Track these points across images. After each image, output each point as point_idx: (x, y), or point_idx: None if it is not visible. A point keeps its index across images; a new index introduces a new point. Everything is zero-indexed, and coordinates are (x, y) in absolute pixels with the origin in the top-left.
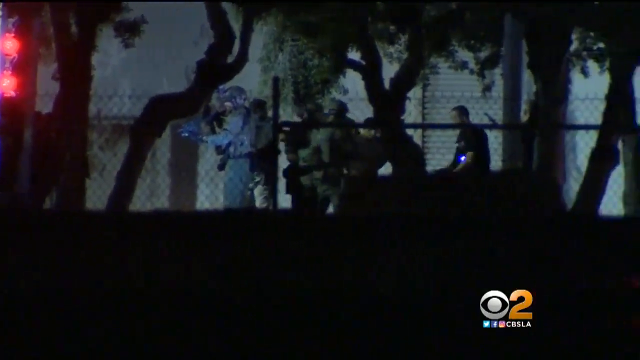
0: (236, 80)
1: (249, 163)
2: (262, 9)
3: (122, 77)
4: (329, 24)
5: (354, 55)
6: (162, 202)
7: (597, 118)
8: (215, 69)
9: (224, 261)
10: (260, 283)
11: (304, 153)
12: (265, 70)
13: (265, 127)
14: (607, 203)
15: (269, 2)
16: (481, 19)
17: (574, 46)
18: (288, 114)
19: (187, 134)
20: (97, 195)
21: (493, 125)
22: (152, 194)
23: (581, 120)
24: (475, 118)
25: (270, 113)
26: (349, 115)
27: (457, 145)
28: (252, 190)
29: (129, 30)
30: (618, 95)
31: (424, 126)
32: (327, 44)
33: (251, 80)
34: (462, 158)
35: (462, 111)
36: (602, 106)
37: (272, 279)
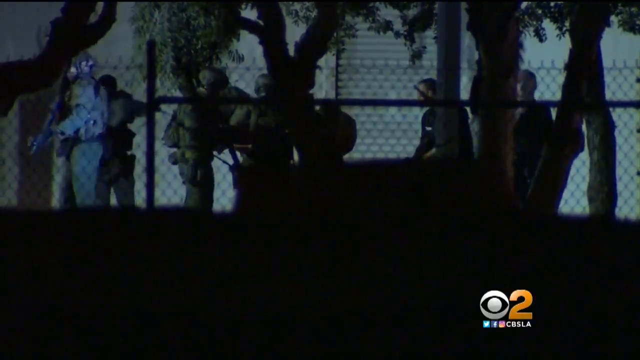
0: (104, 45)
1: (102, 148)
2: None
3: None
4: None
5: (250, 13)
6: (9, 197)
7: (555, 92)
8: (75, 30)
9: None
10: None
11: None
12: (138, 32)
13: (120, 101)
14: (568, 198)
15: None
16: None
17: (525, 2)
18: (166, 87)
19: (36, 147)
20: None
21: (425, 102)
22: None
23: (536, 96)
24: (402, 92)
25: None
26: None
27: (427, 129)
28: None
29: None
30: (581, 65)
31: (339, 102)
32: None
33: (122, 44)
34: None
35: (432, 86)
36: (561, 78)
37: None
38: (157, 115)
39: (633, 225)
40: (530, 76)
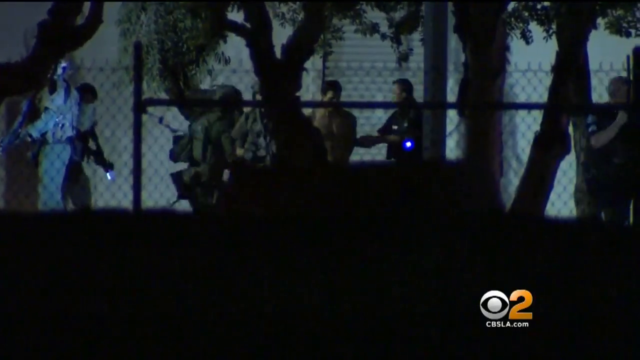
0: (91, 47)
1: (70, 150)
2: None
3: None
4: None
5: (236, 15)
6: None
7: (542, 95)
8: (62, 32)
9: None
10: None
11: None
12: (125, 34)
13: (89, 105)
14: (555, 201)
15: None
16: None
17: (512, 4)
18: (153, 89)
19: (2, 148)
20: None
21: (411, 104)
22: None
23: (522, 98)
24: (388, 95)
25: None
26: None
27: (394, 127)
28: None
29: None
30: (568, 67)
31: (326, 105)
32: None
33: (108, 47)
34: (409, 144)
35: (405, 86)
36: (548, 80)
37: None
38: (144, 117)
39: (621, 228)
40: (625, 83)
